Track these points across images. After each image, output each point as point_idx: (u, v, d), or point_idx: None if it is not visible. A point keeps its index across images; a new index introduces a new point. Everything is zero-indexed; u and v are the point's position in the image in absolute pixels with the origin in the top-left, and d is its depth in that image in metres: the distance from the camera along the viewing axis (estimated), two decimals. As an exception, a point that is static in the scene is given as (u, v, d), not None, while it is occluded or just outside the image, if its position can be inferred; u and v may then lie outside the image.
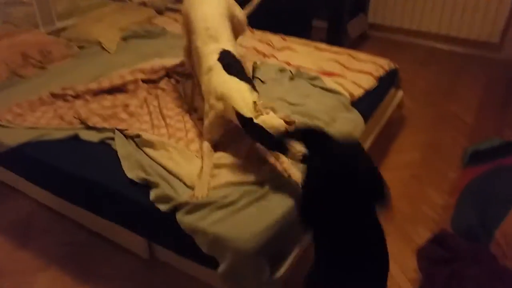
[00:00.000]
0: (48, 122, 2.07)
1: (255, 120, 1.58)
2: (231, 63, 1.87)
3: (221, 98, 1.76)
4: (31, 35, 2.83)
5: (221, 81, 1.79)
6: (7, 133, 2.02)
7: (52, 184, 1.98)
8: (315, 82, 2.40)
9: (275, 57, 2.77)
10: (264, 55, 2.81)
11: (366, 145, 2.41)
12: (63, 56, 2.74)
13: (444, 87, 3.47)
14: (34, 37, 2.81)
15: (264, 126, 1.56)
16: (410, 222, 2.16)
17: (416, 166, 2.57)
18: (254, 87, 1.80)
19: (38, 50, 2.65)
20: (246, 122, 1.63)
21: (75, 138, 1.97)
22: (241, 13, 2.25)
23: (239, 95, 1.69)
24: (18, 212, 2.22)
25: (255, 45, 2.92)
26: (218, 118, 1.82)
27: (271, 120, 1.57)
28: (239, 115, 1.65)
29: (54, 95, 2.27)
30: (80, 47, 2.89)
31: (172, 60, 2.53)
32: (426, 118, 3.04)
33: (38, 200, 2.27)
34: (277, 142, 1.55)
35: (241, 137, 1.88)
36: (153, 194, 1.65)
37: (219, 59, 1.87)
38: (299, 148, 1.49)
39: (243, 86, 1.74)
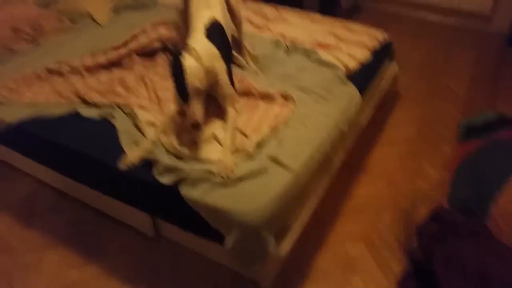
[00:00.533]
0: (46, 98, 2.05)
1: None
2: (215, 31, 1.90)
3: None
4: (20, 8, 2.75)
5: (196, 39, 1.83)
6: (5, 110, 2.00)
7: (54, 161, 1.98)
8: (311, 55, 2.40)
9: (269, 29, 2.74)
10: (258, 27, 2.78)
11: (362, 119, 2.44)
12: (54, 29, 2.67)
13: (436, 59, 3.49)
14: (24, 10, 2.73)
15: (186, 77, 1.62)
16: (407, 197, 2.22)
17: (412, 140, 2.62)
18: (228, 59, 1.91)
19: (29, 24, 2.58)
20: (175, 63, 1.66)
21: (75, 114, 1.96)
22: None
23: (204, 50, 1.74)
24: (21, 191, 2.23)
25: (248, 17, 2.88)
26: None
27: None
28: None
29: (49, 70, 2.23)
30: (72, 20, 2.81)
31: (166, 31, 2.49)
32: (420, 92, 3.07)
33: (40, 179, 2.27)
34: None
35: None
36: (155, 170, 1.67)
37: (206, 25, 1.89)
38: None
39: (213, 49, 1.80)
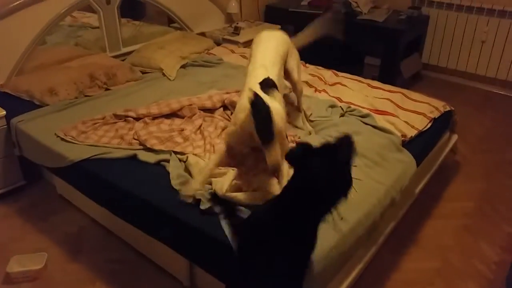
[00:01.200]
0: (109, 141, 2.19)
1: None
2: (268, 86, 1.87)
3: (244, 110, 1.74)
4: (99, 58, 3.03)
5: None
6: (71, 148, 2.15)
7: (105, 199, 2.07)
8: (366, 120, 2.39)
9: (326, 92, 2.79)
10: (316, 89, 2.84)
11: (417, 189, 2.36)
12: (127, 79, 2.90)
13: (500, 133, 3.35)
14: (102, 60, 3.00)
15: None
16: (460, 276, 2.07)
17: (469, 216, 2.47)
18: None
19: (105, 73, 2.82)
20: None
21: (133, 158, 2.07)
22: (294, 61, 2.34)
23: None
24: (73, 226, 2.35)
25: (306, 79, 2.96)
26: (238, 133, 1.82)
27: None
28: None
29: (116, 116, 2.40)
30: (143, 72, 3.05)
31: (228, 94, 2.62)
32: (481, 166, 2.93)
33: (91, 216, 2.38)
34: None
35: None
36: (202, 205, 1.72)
37: (261, 82, 1.88)
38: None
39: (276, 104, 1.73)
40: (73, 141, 2.20)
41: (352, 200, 1.78)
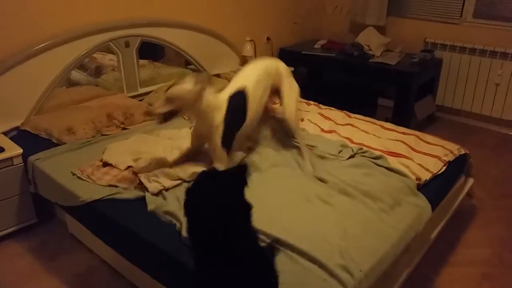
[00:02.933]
0: (120, 181, 2.19)
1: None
2: (236, 97, 2.20)
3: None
4: (117, 98, 3.11)
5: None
6: (84, 188, 2.16)
7: (113, 240, 2.06)
8: (379, 161, 2.36)
9: (337, 132, 2.78)
10: (326, 130, 2.82)
11: (433, 235, 2.29)
12: (144, 119, 2.95)
13: (518, 177, 3.28)
14: (120, 100, 3.08)
15: None
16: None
17: (487, 264, 2.38)
18: (234, 124, 2.19)
19: (122, 112, 2.88)
20: None
21: (143, 198, 2.06)
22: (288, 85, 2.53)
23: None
24: (81, 266, 2.33)
25: (318, 120, 2.96)
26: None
27: None
28: None
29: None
30: (159, 112, 3.10)
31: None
32: (499, 210, 2.85)
33: (100, 256, 2.37)
34: None
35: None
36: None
37: (231, 92, 2.21)
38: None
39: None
40: (89, 180, 2.22)
41: (364, 246, 1.74)
